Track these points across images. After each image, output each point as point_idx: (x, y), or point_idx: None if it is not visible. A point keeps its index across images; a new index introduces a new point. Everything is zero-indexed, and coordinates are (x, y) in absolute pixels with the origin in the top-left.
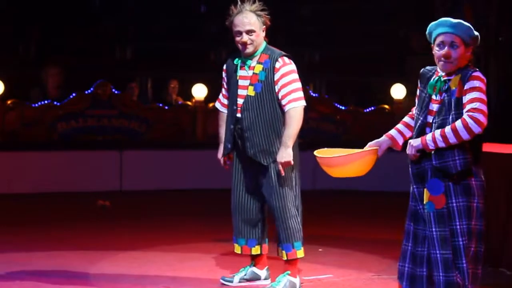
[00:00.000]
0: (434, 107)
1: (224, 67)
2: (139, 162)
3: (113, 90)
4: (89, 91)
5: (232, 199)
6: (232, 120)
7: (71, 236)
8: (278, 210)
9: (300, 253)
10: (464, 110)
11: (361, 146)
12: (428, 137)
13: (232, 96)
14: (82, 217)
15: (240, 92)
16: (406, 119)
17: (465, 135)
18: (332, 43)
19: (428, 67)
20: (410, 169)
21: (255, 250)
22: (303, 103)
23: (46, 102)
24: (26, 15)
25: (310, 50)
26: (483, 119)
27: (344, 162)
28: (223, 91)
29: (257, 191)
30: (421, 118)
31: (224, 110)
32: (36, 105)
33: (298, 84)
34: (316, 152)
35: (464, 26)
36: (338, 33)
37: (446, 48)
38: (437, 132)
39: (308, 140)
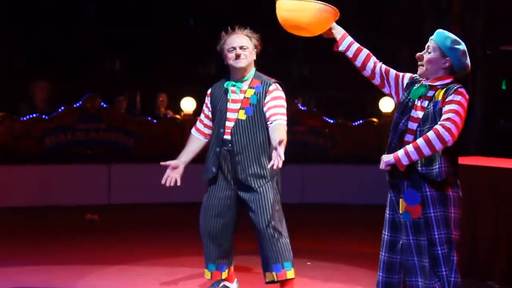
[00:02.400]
0: (417, 114)
1: (209, 91)
2: (127, 176)
3: (102, 103)
4: (77, 104)
5: (203, 223)
6: (218, 143)
7: (60, 250)
8: (268, 231)
9: (290, 273)
10: (439, 120)
11: (351, 159)
12: (400, 152)
13: (220, 119)
14: (71, 230)
15: (230, 115)
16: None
17: (437, 144)
18: (321, 56)
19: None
20: (387, 178)
21: (225, 274)
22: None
23: (34, 115)
24: (15, 29)
25: (299, 63)
26: (454, 130)
27: (300, 8)
28: (202, 116)
29: (232, 216)
30: (402, 122)
31: (199, 137)
32: (25, 118)
33: (285, 110)
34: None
35: (443, 35)
36: (327, 46)
37: (423, 51)
38: (409, 146)
39: (296, 154)
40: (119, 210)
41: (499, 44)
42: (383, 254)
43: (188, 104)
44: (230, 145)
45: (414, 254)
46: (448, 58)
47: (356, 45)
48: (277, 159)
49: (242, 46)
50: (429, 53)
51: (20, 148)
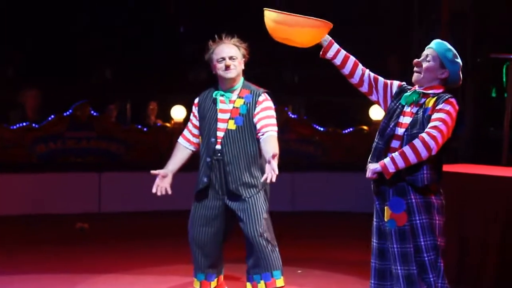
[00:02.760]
0: (406, 120)
1: (196, 100)
2: (118, 184)
3: (92, 112)
4: (67, 113)
5: (192, 233)
6: (209, 153)
7: (50, 258)
8: (257, 239)
9: (279, 282)
10: (427, 127)
11: (341, 167)
12: (387, 160)
13: (209, 129)
14: (61, 239)
15: (219, 125)
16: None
17: (423, 152)
18: (311, 64)
19: (408, 86)
20: (372, 187)
21: (214, 283)
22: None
23: (24, 124)
24: (4, 38)
25: (289, 71)
26: (439, 138)
27: (294, 23)
28: (190, 126)
29: (220, 226)
30: (390, 127)
31: (187, 145)
32: (15, 127)
33: (275, 120)
34: (266, 9)
35: (444, 46)
36: (317, 54)
37: (421, 58)
38: (395, 153)
39: (286, 162)
40: (109, 218)
41: (488, 52)
42: (373, 261)
43: (178, 113)
44: (219, 154)
45: (398, 263)
46: (446, 70)
47: (343, 52)
48: (271, 172)
49: (231, 56)
50: (428, 61)
51: (10, 156)
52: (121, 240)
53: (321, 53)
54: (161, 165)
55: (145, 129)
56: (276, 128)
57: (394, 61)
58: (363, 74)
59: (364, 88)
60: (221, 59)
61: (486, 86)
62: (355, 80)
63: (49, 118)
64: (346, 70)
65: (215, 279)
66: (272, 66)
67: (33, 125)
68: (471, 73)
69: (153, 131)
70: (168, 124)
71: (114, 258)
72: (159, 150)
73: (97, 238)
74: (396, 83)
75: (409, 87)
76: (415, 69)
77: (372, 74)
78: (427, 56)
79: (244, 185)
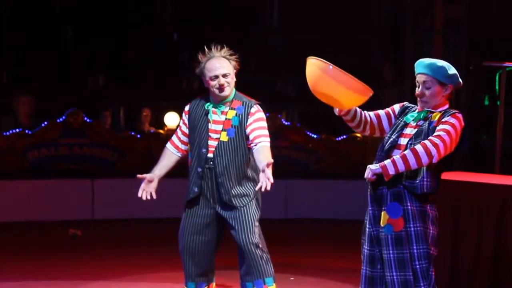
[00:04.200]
0: (409, 131)
1: (187, 108)
2: (111, 191)
3: (85, 118)
4: (61, 119)
5: (182, 241)
6: (200, 163)
7: (42, 265)
8: (249, 247)
9: None
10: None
11: (334, 174)
12: (387, 161)
13: (200, 140)
14: (53, 246)
15: (211, 135)
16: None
17: (424, 158)
18: (304, 71)
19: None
20: (368, 191)
21: None
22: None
23: (17, 130)
24: None
25: (282, 78)
26: (442, 147)
27: (342, 80)
28: (179, 133)
29: (212, 234)
30: (393, 137)
31: (174, 152)
32: (8, 133)
33: (267, 131)
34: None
35: (435, 66)
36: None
37: (420, 87)
38: (396, 156)
39: (279, 169)
40: (102, 225)
41: (481, 59)
42: (364, 268)
43: (171, 119)
44: (211, 163)
45: (393, 269)
46: (448, 85)
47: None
48: (265, 181)
49: (224, 74)
50: (429, 88)
51: (3, 163)
52: (113, 247)
53: (337, 112)
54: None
55: (138, 135)
56: (268, 139)
57: (388, 69)
58: (366, 122)
59: (367, 132)
60: (214, 77)
61: (479, 94)
62: (360, 129)
63: (42, 125)
64: (354, 123)
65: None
66: (266, 73)
67: (26, 131)
68: (464, 81)
69: (146, 137)
70: (161, 131)
71: (107, 265)
72: (152, 156)
73: (89, 245)
74: (397, 106)
75: (412, 105)
76: (420, 100)
77: (372, 114)
78: (424, 82)
79: (236, 196)
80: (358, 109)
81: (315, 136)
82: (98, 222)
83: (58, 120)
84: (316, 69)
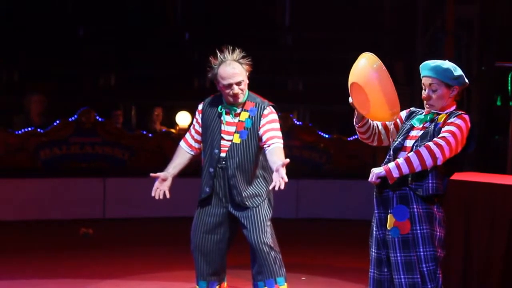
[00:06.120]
0: (416, 133)
1: (200, 107)
2: (122, 190)
3: (97, 117)
4: (72, 118)
5: (194, 240)
6: (212, 164)
7: (53, 264)
8: (261, 246)
9: None
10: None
11: (346, 174)
12: (391, 164)
13: (212, 141)
14: (65, 244)
15: (224, 137)
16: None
17: (428, 160)
18: (316, 71)
19: (417, 108)
20: (374, 194)
21: None
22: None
23: (29, 129)
24: (9, 42)
25: (294, 78)
26: (446, 149)
27: (387, 85)
28: (193, 132)
29: (224, 233)
30: (399, 140)
31: (188, 150)
32: (20, 132)
33: (280, 133)
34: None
35: (441, 68)
36: (321, 61)
37: (426, 90)
38: (401, 159)
39: (291, 168)
40: (113, 224)
41: (494, 60)
42: (372, 271)
43: (183, 119)
44: (224, 162)
45: (401, 272)
46: (454, 86)
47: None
48: (279, 180)
49: (238, 82)
50: (435, 91)
51: (15, 161)
52: (124, 245)
53: (356, 120)
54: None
55: (150, 135)
56: (281, 141)
57: (400, 68)
58: (375, 134)
59: (374, 143)
60: (228, 87)
61: (491, 95)
62: (369, 140)
63: (54, 123)
64: (366, 135)
65: (217, 287)
66: (277, 73)
67: (38, 130)
68: (476, 82)
69: (158, 137)
70: (173, 130)
71: (117, 263)
72: (164, 156)
73: (101, 243)
74: (403, 112)
75: (419, 109)
76: (427, 103)
77: (382, 129)
78: (430, 85)
79: (249, 197)
80: (372, 123)
81: (326, 136)
82: (110, 220)
83: (70, 119)
84: (366, 66)
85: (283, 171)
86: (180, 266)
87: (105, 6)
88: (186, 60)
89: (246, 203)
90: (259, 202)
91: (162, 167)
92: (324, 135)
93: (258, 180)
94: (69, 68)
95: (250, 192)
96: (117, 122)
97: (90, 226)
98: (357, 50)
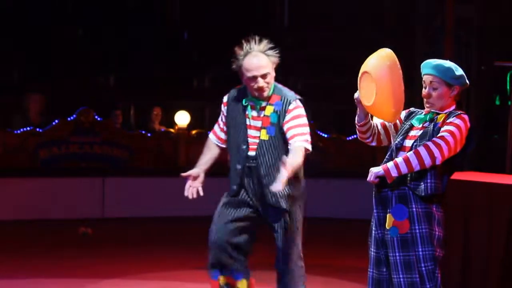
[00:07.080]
0: (415, 132)
1: (225, 99)
2: (121, 189)
3: (96, 117)
4: (71, 118)
5: (215, 228)
6: (239, 160)
7: (52, 263)
8: (287, 253)
9: None
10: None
11: (344, 174)
12: (390, 164)
13: (239, 135)
14: (64, 244)
15: (251, 132)
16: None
17: (426, 159)
18: (315, 71)
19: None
20: (373, 194)
21: (243, 284)
22: (309, 147)
23: (28, 128)
24: (9, 42)
25: (293, 78)
26: (445, 148)
27: (397, 82)
28: (221, 124)
29: (248, 229)
30: (398, 140)
31: (217, 142)
32: (18, 131)
33: (306, 128)
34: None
35: (443, 67)
36: (321, 61)
37: (427, 88)
38: (399, 158)
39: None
40: (112, 223)
41: (493, 59)
42: (371, 270)
43: (182, 118)
44: (253, 161)
45: (400, 272)
46: (455, 86)
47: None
48: (278, 182)
49: (264, 74)
50: (436, 89)
51: (14, 161)
52: (124, 245)
53: (358, 119)
54: (165, 171)
55: (149, 134)
56: (305, 137)
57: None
58: (374, 134)
59: (373, 143)
60: (253, 79)
61: (490, 94)
62: (368, 140)
63: (53, 123)
64: (366, 135)
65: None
66: (276, 73)
67: (37, 129)
68: (476, 81)
69: (157, 136)
70: (172, 130)
71: (116, 263)
72: (163, 155)
73: (100, 243)
74: (402, 113)
75: (418, 110)
76: (427, 101)
77: (382, 130)
78: (431, 83)
79: (284, 197)
80: (373, 123)
81: (325, 135)
82: (109, 220)
83: (69, 119)
84: (382, 59)
85: (285, 173)
86: (180, 266)
87: (104, 6)
88: (185, 60)
89: (281, 203)
90: (293, 204)
91: (161, 166)
92: (323, 134)
93: (293, 179)
94: (69, 68)
95: (286, 192)
96: (116, 122)
97: (89, 225)
98: (357, 50)
